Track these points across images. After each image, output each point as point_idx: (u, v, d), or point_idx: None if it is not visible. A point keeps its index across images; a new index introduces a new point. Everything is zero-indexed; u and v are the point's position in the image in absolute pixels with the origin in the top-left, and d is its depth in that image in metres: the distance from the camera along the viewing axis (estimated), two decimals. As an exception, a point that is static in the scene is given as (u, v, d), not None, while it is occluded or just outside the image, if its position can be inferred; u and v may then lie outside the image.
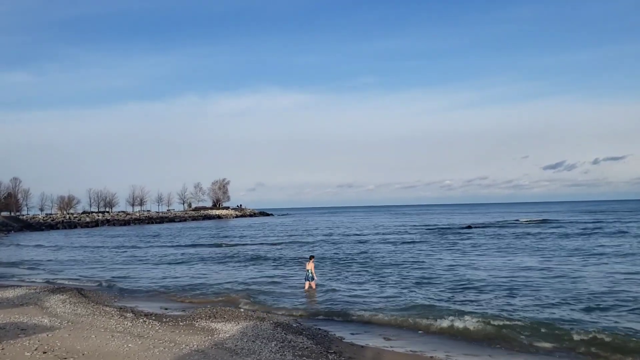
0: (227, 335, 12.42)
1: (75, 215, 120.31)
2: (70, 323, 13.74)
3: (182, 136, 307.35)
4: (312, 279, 20.37)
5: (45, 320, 13.99)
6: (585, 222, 66.67)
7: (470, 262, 27.40)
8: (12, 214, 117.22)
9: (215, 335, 12.35)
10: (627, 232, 46.77)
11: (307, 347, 11.34)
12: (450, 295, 18.27)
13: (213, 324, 13.91)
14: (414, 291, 19.16)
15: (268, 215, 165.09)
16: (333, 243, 43.63)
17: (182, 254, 38.39)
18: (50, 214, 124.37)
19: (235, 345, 11.38)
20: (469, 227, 65.44)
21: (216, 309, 16.27)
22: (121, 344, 11.26)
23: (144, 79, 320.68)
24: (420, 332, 13.60)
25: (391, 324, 14.44)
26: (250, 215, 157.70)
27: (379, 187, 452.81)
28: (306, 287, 20.29)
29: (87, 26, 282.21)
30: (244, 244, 46.01)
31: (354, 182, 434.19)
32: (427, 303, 16.84)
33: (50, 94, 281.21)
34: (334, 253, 34.50)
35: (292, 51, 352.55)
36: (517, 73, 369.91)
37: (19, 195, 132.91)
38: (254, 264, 29.86)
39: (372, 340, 12.68)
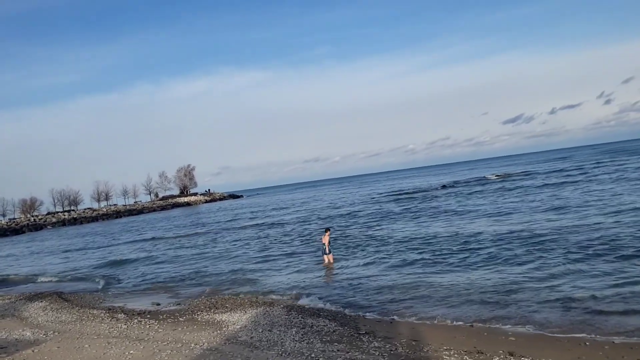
0: (238, 326, 11.17)
1: (40, 217, 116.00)
2: (56, 333, 12.24)
3: (140, 126, 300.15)
4: (329, 252, 19.76)
5: (28, 333, 12.44)
6: (557, 172, 66.68)
7: (469, 224, 26.12)
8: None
9: (224, 329, 11.09)
10: (596, 178, 46.24)
11: (334, 331, 10.19)
12: (460, 260, 17.29)
13: (217, 315, 12.63)
14: (419, 261, 18.16)
15: (238, 197, 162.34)
16: (320, 219, 42.22)
17: (157, 245, 36.67)
18: (14, 219, 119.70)
19: (251, 338, 10.15)
20: (444, 186, 65.26)
21: (215, 299, 15.01)
22: (121, 352, 9.89)
23: (93, 72, 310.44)
24: (440, 301, 12.59)
25: (407, 296, 13.37)
26: (220, 199, 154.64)
27: (345, 159, 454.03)
28: (325, 261, 19.59)
29: (29, 22, 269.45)
30: (223, 229, 44.41)
31: (320, 156, 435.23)
32: (437, 272, 15.94)
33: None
34: (323, 230, 33.27)
35: (243, 28, 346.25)
36: (468, 32, 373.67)
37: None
38: (241, 247, 28.47)
39: (397, 315, 11.63)
